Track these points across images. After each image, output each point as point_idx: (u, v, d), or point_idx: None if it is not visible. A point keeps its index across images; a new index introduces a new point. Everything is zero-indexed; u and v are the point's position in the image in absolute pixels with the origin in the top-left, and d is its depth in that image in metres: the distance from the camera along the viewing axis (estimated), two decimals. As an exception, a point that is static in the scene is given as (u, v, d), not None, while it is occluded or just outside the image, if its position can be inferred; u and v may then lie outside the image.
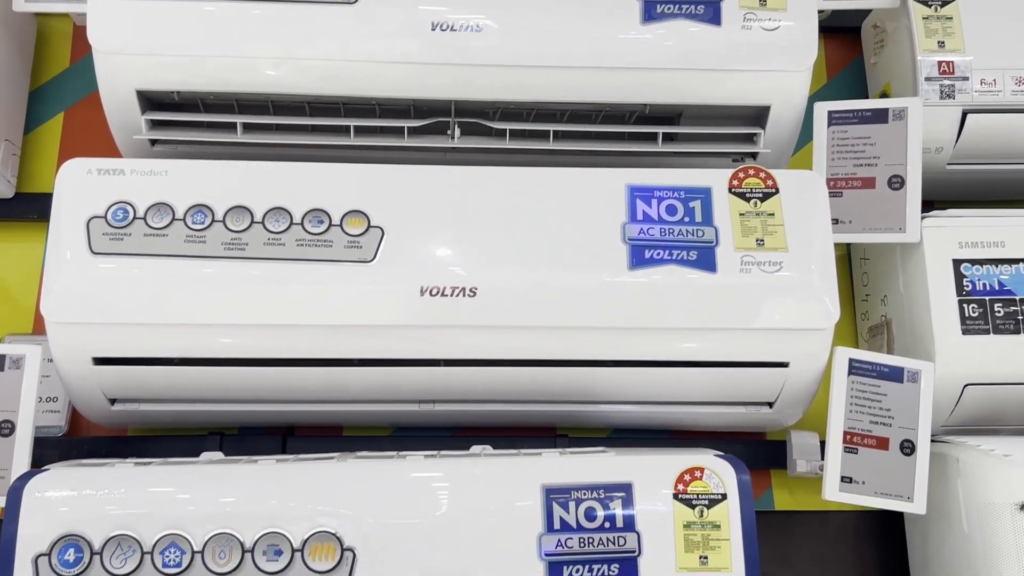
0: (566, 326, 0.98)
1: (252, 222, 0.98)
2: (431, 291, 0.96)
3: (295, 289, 0.97)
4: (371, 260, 0.99)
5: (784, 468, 1.13)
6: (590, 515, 0.92)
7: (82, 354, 0.96)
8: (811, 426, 1.13)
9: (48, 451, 1.09)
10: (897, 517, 1.17)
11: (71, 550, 0.88)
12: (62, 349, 0.96)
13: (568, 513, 0.92)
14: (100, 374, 0.98)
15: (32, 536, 0.87)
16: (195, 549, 0.88)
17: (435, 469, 0.94)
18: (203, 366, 0.97)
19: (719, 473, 0.94)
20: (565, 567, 0.90)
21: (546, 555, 0.90)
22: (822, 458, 1.09)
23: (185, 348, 0.97)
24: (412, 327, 0.97)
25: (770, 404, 1.05)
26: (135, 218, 0.99)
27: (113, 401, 1.03)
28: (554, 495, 0.92)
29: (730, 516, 0.92)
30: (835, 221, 1.08)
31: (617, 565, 0.91)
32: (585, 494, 0.93)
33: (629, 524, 0.92)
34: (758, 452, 1.16)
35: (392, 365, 0.99)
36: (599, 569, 0.90)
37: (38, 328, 1.15)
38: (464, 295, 0.96)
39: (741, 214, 1.03)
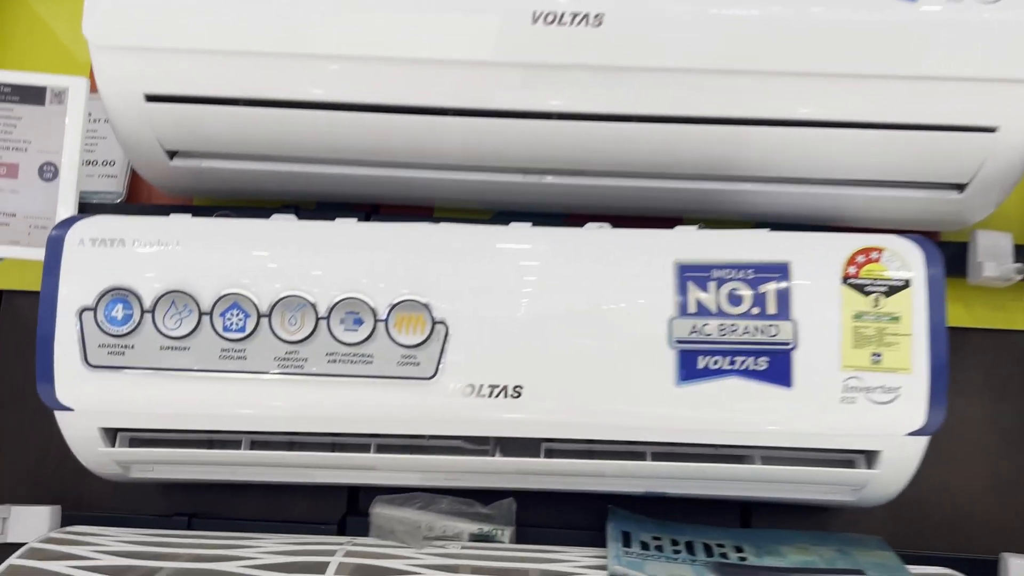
0: (722, 69, 0.78)
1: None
2: (545, 17, 0.78)
3: (384, 15, 0.80)
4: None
5: (961, 276, 0.93)
6: (734, 298, 0.75)
7: (133, 88, 0.81)
8: (1000, 227, 0.93)
9: (104, 218, 0.96)
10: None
11: (119, 306, 0.75)
12: (110, 82, 0.81)
13: (707, 295, 0.75)
14: (154, 115, 0.83)
15: (75, 289, 0.75)
16: (261, 312, 0.75)
17: (544, 240, 0.79)
18: (273, 107, 0.81)
19: (902, 254, 0.75)
20: (700, 357, 0.74)
21: (678, 342, 0.74)
22: (1016, 261, 0.90)
23: (253, 84, 0.81)
24: (520, 65, 0.78)
25: (961, 187, 0.85)
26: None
27: (172, 155, 0.89)
28: (690, 273, 0.75)
29: (913, 307, 0.74)
30: None
31: (766, 359, 0.74)
32: (729, 273, 0.75)
33: (783, 310, 0.74)
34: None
35: (495, 116, 0.81)
36: (742, 362, 0.74)
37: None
38: (587, 23, 0.78)
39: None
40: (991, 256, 0.90)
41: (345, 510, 0.93)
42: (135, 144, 0.86)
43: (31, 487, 0.96)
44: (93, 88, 0.84)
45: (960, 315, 0.95)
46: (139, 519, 0.90)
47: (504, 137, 0.83)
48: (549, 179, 0.88)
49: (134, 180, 1.01)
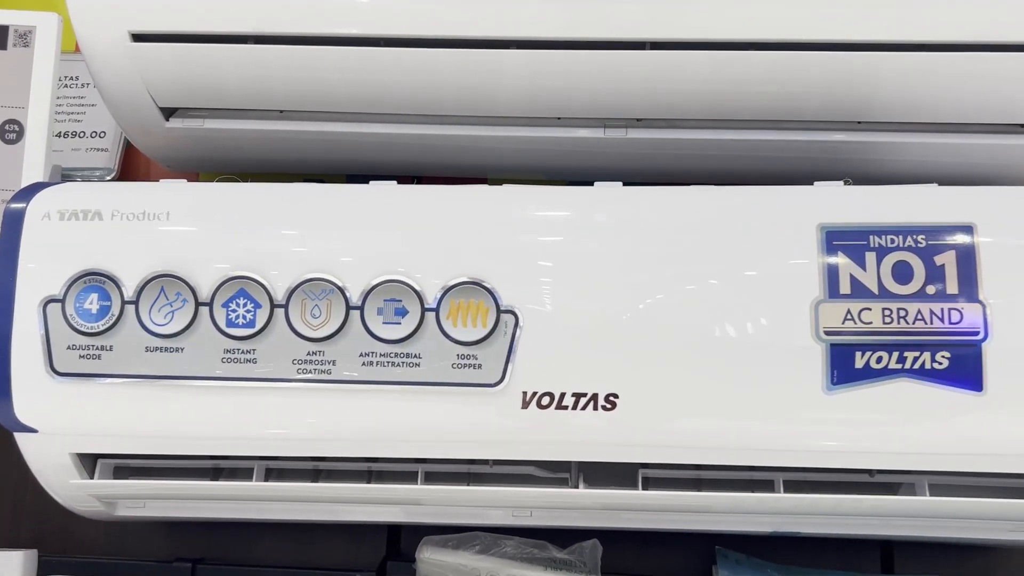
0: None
1: None
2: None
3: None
4: None
5: None
6: (902, 274, 0.56)
7: (116, 26, 0.65)
8: None
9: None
10: None
11: (94, 295, 0.58)
12: (87, 19, 0.65)
13: (864, 270, 0.57)
14: (144, 59, 0.66)
15: (39, 275, 0.58)
16: (275, 301, 0.57)
17: (643, 202, 0.60)
18: (290, 44, 0.65)
19: None
20: (858, 353, 0.56)
21: (827, 333, 0.56)
22: None
23: (265, 15, 0.64)
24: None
25: None
26: None
27: (169, 114, 0.73)
28: (840, 241, 0.57)
29: None
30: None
31: (947, 353, 0.55)
32: (893, 240, 0.57)
33: (968, 289, 0.55)
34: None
35: (567, 47, 0.64)
36: (916, 359, 0.56)
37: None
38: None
39: None
40: None
41: (384, 553, 0.76)
42: (122, 100, 0.69)
43: (6, 525, 0.80)
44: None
45: None
46: (133, 565, 0.74)
47: (579, 76, 0.65)
48: (635, 133, 0.70)
49: (129, 154, 0.85)
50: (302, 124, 0.72)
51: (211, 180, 0.82)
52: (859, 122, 0.69)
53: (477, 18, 0.64)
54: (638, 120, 0.70)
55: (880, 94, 0.67)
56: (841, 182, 0.60)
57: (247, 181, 0.80)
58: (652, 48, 0.64)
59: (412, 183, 0.79)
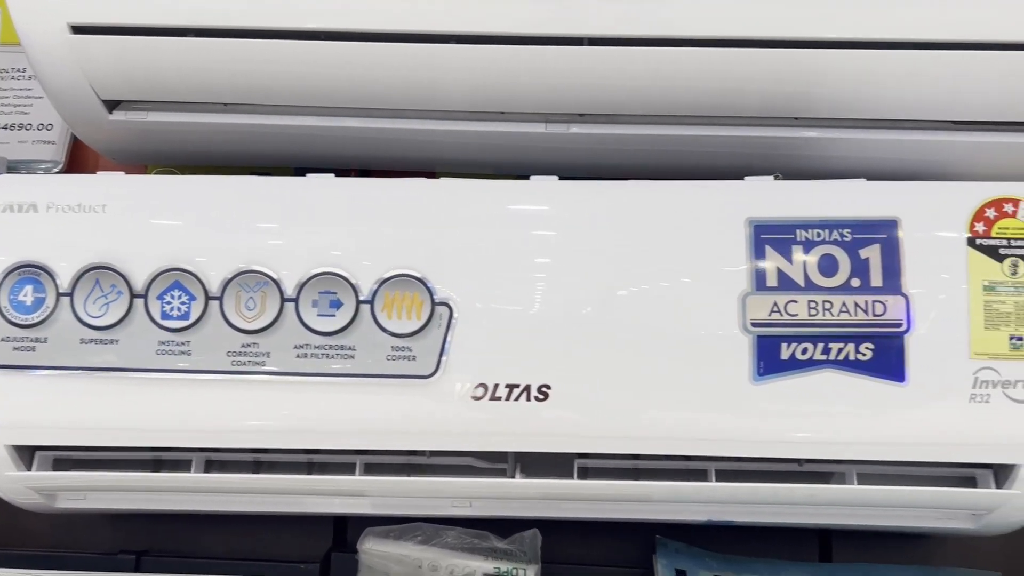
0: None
1: None
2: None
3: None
4: None
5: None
6: (827, 267, 0.58)
7: (55, 17, 0.64)
8: None
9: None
10: None
11: (28, 287, 0.58)
12: (25, 9, 0.65)
13: (791, 264, 0.58)
14: (84, 51, 0.65)
15: (-29, 265, 0.60)
16: (210, 293, 0.58)
17: (575, 196, 0.61)
18: (233, 38, 0.65)
19: (1046, 207, 0.59)
20: (784, 344, 0.57)
21: (754, 325, 0.57)
22: None
23: (207, 8, 0.64)
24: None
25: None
26: None
27: (112, 107, 0.72)
28: (767, 235, 0.58)
29: (1067, 275, 0.58)
30: None
31: (871, 345, 0.57)
32: (819, 234, 0.58)
33: (892, 282, 0.57)
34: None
35: (509, 42, 0.64)
36: (840, 350, 0.57)
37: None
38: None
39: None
40: None
41: (331, 545, 0.77)
42: (63, 92, 0.69)
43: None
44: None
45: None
46: (78, 558, 0.74)
47: (520, 72, 0.66)
48: (577, 128, 0.70)
49: (77, 147, 0.84)
50: (247, 117, 0.72)
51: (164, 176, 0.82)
52: (796, 118, 0.70)
53: (419, 13, 0.64)
54: (580, 116, 0.71)
55: (817, 91, 0.68)
56: (771, 177, 0.61)
57: (193, 174, 0.81)
58: (590, 44, 0.65)
59: (351, 176, 0.81)
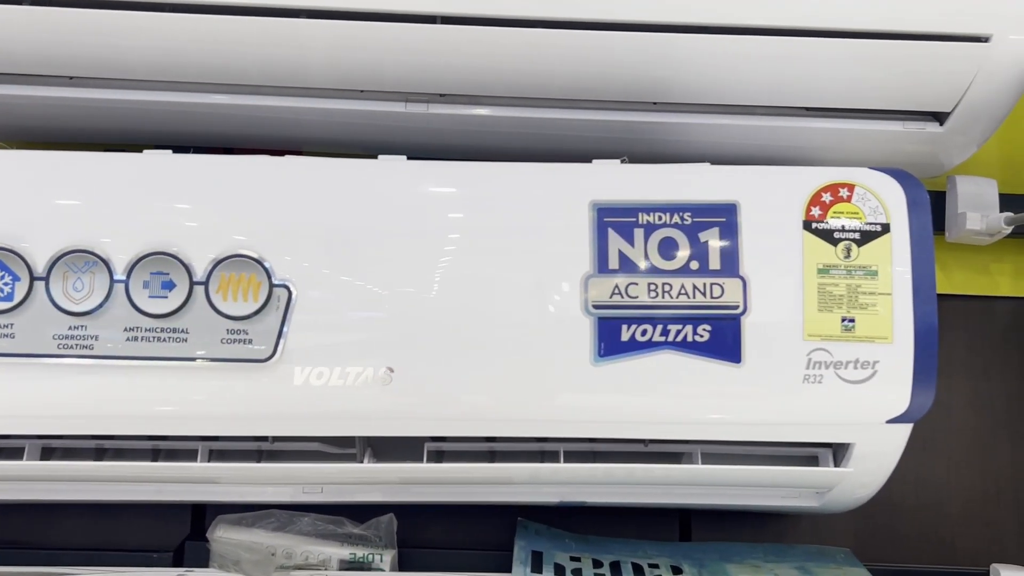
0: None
1: None
2: None
3: None
4: None
5: (940, 233, 0.78)
6: (667, 250, 0.58)
7: None
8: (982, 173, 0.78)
9: None
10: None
11: None
12: None
13: (632, 246, 0.58)
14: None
15: None
16: (35, 273, 0.55)
17: (420, 176, 0.60)
18: (72, 7, 0.61)
19: (877, 192, 0.59)
20: (624, 326, 0.57)
21: (595, 307, 0.58)
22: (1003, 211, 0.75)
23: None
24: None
25: (941, 117, 0.70)
26: None
27: (-51, 79, 0.70)
28: (611, 218, 0.59)
29: (893, 258, 0.58)
30: None
31: (708, 327, 0.57)
32: (660, 218, 0.58)
33: (730, 265, 0.57)
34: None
35: (366, 19, 0.63)
36: (678, 332, 0.57)
37: None
38: None
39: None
40: (974, 206, 0.75)
41: (188, 533, 0.75)
42: None
43: None
44: None
45: (939, 281, 0.80)
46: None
47: (377, 49, 0.65)
48: (437, 108, 0.70)
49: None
50: (94, 91, 0.70)
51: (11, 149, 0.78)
52: (655, 103, 0.71)
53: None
54: (441, 96, 0.70)
55: (676, 75, 0.69)
56: (618, 160, 0.61)
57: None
58: (443, 23, 0.64)
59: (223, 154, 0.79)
